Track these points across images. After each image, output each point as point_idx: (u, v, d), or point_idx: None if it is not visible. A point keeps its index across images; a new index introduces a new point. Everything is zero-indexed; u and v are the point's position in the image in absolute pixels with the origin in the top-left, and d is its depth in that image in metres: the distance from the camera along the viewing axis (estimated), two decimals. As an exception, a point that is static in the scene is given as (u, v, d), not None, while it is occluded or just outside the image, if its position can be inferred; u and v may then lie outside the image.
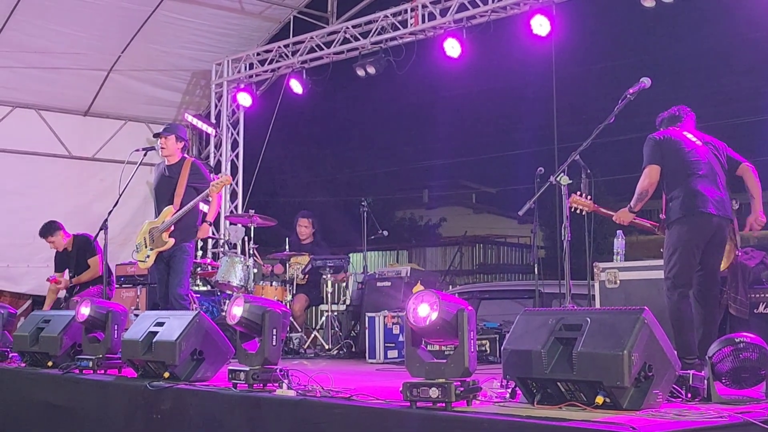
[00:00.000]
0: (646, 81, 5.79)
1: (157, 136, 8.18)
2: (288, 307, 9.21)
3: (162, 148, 8.01)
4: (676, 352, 4.75)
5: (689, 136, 6.04)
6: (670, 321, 5.65)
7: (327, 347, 9.15)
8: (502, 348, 4.44)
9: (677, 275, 5.77)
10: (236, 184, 13.31)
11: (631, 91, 5.77)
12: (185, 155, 8.15)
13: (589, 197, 6.20)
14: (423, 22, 10.73)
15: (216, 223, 13.04)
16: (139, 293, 10.67)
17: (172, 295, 7.69)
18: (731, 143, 6.25)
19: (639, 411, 3.84)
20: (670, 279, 5.79)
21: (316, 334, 9.50)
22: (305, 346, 9.36)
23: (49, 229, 10.14)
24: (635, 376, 3.86)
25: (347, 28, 11.60)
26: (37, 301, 12.27)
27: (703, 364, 4.57)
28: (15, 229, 12.31)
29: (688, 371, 4.36)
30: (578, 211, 6.24)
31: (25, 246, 12.19)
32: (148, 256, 7.85)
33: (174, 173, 7.93)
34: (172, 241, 7.74)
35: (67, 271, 10.09)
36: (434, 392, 4.02)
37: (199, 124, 13.39)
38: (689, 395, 4.27)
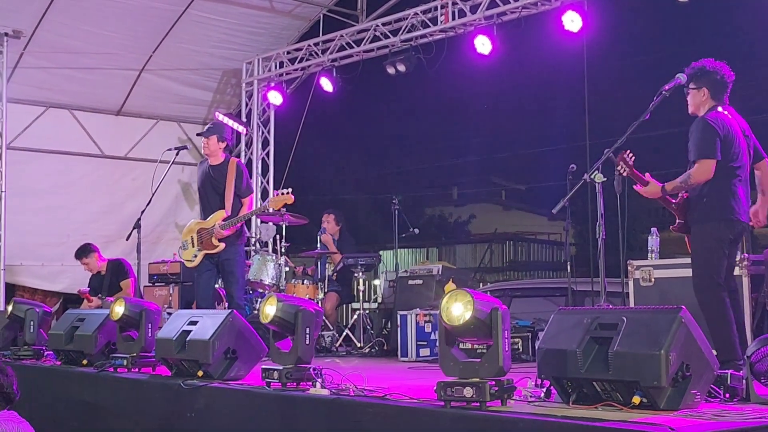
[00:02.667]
0: (681, 77, 5.64)
1: (200, 135, 8.27)
2: (320, 305, 9.23)
3: (204, 147, 8.10)
4: (719, 353, 4.65)
5: (734, 124, 5.69)
6: (713, 321, 5.40)
7: (359, 345, 9.16)
8: (536, 347, 4.41)
9: (718, 273, 5.54)
10: (267, 182, 13.36)
11: (666, 87, 5.63)
12: (229, 156, 8.18)
13: (633, 157, 5.69)
14: (453, 19, 10.68)
15: (248, 222, 13.11)
16: (171, 291, 10.74)
17: (234, 302, 7.77)
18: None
19: (677, 411, 3.81)
20: (712, 277, 5.52)
21: (348, 332, 9.50)
22: (337, 345, 9.38)
23: (84, 251, 10.31)
24: (673, 376, 3.81)
25: (377, 25, 11.58)
26: (68, 300, 12.40)
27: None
28: (49, 228, 12.44)
29: (727, 371, 4.30)
30: (621, 172, 5.72)
31: (59, 245, 12.31)
32: (195, 256, 7.91)
33: (219, 175, 7.99)
34: (222, 245, 7.81)
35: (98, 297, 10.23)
36: (468, 392, 4.01)
37: (230, 122, 13.41)
38: (727, 395, 4.22)
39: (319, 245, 10.21)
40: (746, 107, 5.59)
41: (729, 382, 4.23)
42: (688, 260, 6.11)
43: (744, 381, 4.24)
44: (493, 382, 4.02)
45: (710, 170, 5.48)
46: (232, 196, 7.91)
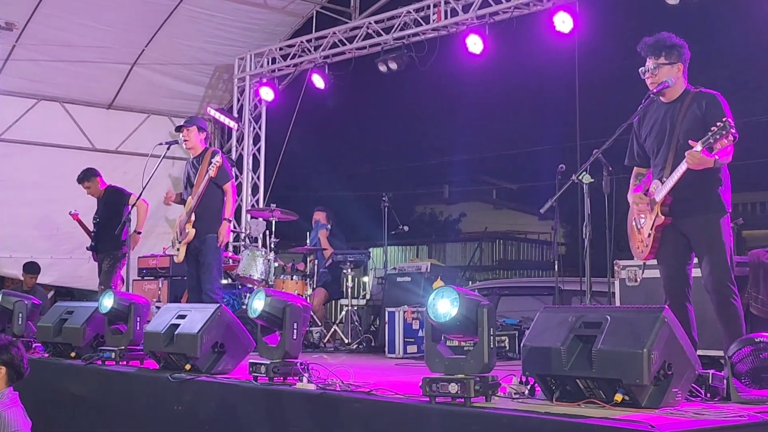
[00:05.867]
0: (669, 80, 5.66)
1: (179, 129, 8.26)
2: (308, 301, 9.26)
3: (185, 140, 8.08)
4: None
5: None
6: (735, 318, 5.03)
7: (347, 341, 9.19)
8: (521, 345, 4.46)
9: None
10: (258, 178, 13.39)
11: (654, 90, 5.67)
12: (208, 146, 8.18)
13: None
14: (445, 18, 10.74)
15: (237, 217, 13.14)
16: (161, 286, 10.74)
17: (204, 292, 7.75)
18: (756, 142, 6.01)
19: (658, 409, 3.86)
20: (731, 271, 5.10)
21: (336, 328, 9.53)
22: (325, 340, 9.40)
23: (87, 176, 10.09)
24: (654, 375, 3.86)
25: (370, 23, 11.62)
26: (58, 293, 12.38)
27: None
28: (39, 221, 12.45)
29: (708, 371, 4.35)
30: None
31: (49, 237, 12.32)
32: (178, 250, 7.92)
33: (197, 165, 8.00)
34: (193, 231, 7.77)
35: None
36: (453, 387, 4.05)
37: (222, 118, 13.46)
38: (708, 395, 4.27)
39: (309, 241, 10.22)
40: (736, 110, 5.57)
41: (710, 381, 4.29)
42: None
43: (725, 381, 4.29)
44: (478, 379, 4.06)
45: None
46: (201, 184, 7.82)
